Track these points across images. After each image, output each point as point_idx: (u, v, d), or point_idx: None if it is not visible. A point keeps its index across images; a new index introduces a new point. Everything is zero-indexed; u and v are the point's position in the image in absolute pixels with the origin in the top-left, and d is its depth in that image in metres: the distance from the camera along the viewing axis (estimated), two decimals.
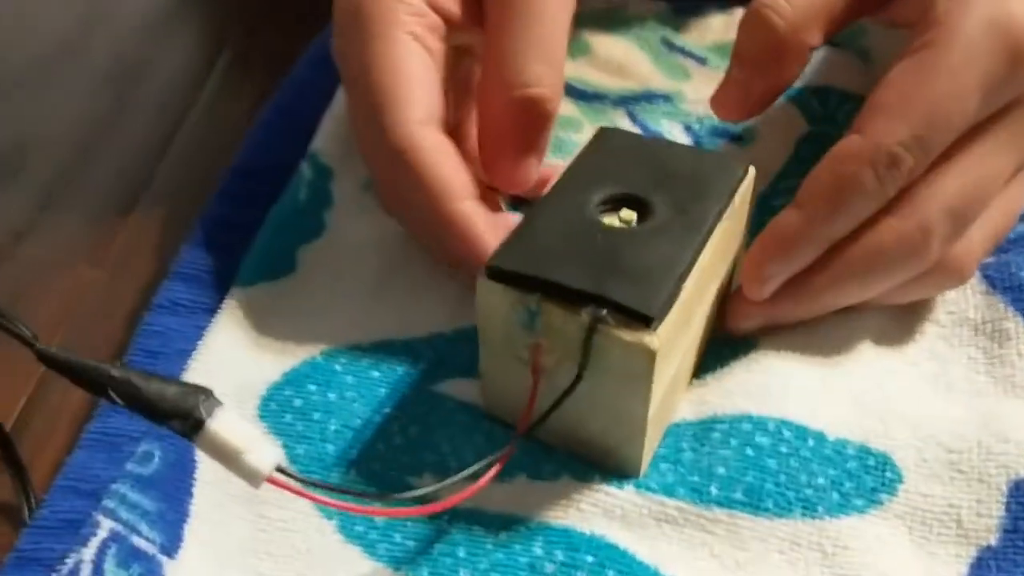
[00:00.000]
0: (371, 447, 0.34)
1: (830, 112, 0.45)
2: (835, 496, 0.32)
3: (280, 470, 0.27)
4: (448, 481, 0.29)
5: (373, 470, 0.34)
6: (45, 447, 0.38)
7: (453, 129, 0.38)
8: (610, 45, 0.51)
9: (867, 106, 0.33)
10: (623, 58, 0.50)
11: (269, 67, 0.52)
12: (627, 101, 0.48)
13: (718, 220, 0.33)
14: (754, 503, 0.32)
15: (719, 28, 0.51)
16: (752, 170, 0.35)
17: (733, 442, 0.33)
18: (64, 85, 0.55)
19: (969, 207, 0.33)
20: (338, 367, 0.37)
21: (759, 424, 0.33)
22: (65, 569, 0.31)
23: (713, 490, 0.32)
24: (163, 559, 0.32)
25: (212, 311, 0.39)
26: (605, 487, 0.32)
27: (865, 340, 0.36)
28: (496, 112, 0.36)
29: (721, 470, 0.32)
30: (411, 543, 0.32)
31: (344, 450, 0.34)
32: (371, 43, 0.36)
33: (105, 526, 0.32)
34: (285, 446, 0.35)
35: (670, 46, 0.51)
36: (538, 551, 0.31)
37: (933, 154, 0.32)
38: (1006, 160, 0.33)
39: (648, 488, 0.32)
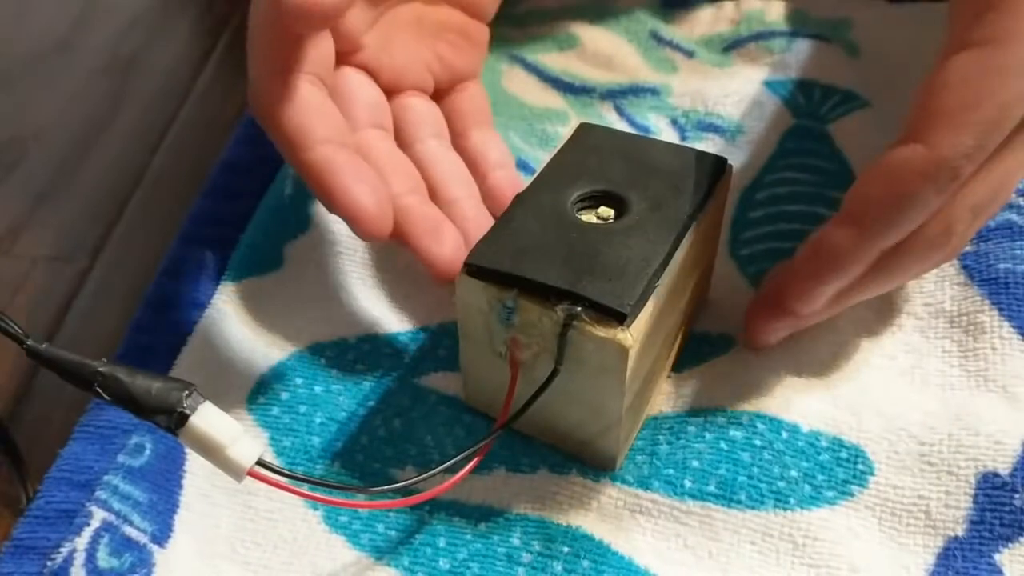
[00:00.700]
0: (355, 439, 0.35)
1: (814, 106, 0.46)
2: (807, 488, 0.33)
3: (262, 463, 0.28)
4: (428, 474, 0.30)
5: (357, 462, 0.35)
6: (42, 436, 0.39)
7: None
8: (598, 38, 0.51)
9: (924, 109, 0.29)
10: (611, 51, 0.51)
11: None
12: (614, 94, 0.49)
13: (695, 217, 0.33)
14: (727, 495, 0.33)
15: (707, 21, 0.52)
16: (731, 166, 0.35)
17: (707, 435, 0.34)
18: (59, 80, 0.56)
19: (992, 202, 0.32)
20: (324, 360, 0.38)
21: (733, 417, 0.34)
22: (59, 558, 0.32)
23: (687, 483, 0.33)
24: (154, 548, 0.33)
25: (202, 306, 0.40)
26: (582, 480, 0.33)
27: (844, 333, 0.37)
28: None
29: (695, 463, 0.33)
30: (393, 533, 0.33)
31: (329, 442, 0.35)
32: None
33: (98, 516, 0.33)
34: (272, 439, 0.36)
35: (658, 39, 0.51)
36: (515, 541, 0.32)
37: (985, 157, 0.30)
38: None
39: (623, 481, 0.33)
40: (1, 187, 0.50)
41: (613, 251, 0.31)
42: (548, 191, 0.34)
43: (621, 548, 0.32)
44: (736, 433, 0.34)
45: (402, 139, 0.39)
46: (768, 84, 0.47)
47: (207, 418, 0.28)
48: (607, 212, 0.33)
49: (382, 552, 0.32)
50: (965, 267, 0.38)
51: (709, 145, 0.45)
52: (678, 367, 0.37)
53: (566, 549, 0.32)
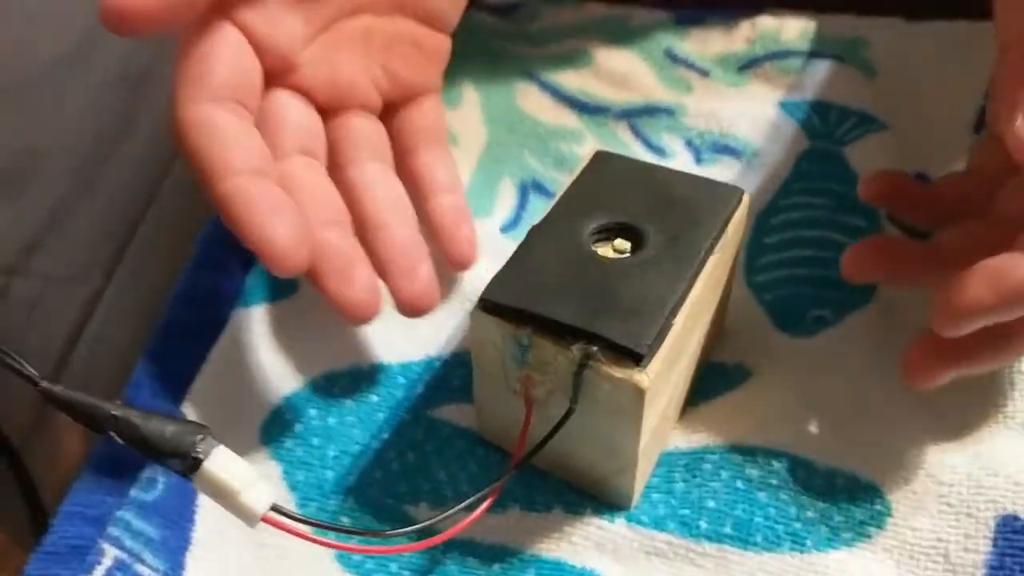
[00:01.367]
0: (369, 474, 0.35)
1: (830, 128, 0.45)
2: (824, 529, 0.32)
3: (276, 509, 0.28)
4: (442, 516, 0.30)
5: (371, 497, 0.35)
6: (56, 461, 0.40)
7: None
8: (613, 56, 0.51)
9: None
10: (626, 69, 0.50)
11: None
12: (629, 114, 0.48)
13: (711, 251, 0.33)
14: (743, 537, 0.32)
15: (722, 39, 0.51)
16: (746, 198, 0.35)
17: (724, 474, 0.34)
18: (70, 95, 0.56)
19: None
20: (337, 390, 0.38)
21: (749, 455, 0.34)
22: None
23: (703, 524, 0.33)
24: None
25: (215, 332, 0.40)
26: (596, 520, 0.33)
27: (857, 362, 0.37)
28: None
29: (711, 503, 0.33)
30: (407, 573, 0.32)
31: (343, 476, 0.35)
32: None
33: (110, 554, 0.33)
34: (285, 472, 0.35)
35: (673, 57, 0.51)
36: None
37: None
38: None
39: (639, 521, 0.33)
40: (14, 204, 0.50)
41: (630, 288, 0.31)
42: (564, 222, 0.34)
43: None
44: (752, 471, 0.34)
45: (338, 161, 0.37)
46: (783, 105, 0.47)
47: (221, 463, 0.28)
48: (623, 245, 0.33)
49: (381, 555, 0.32)
50: None
51: (724, 168, 0.45)
52: (693, 400, 0.36)
53: None
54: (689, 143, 0.47)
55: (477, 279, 0.40)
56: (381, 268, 0.35)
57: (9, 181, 0.45)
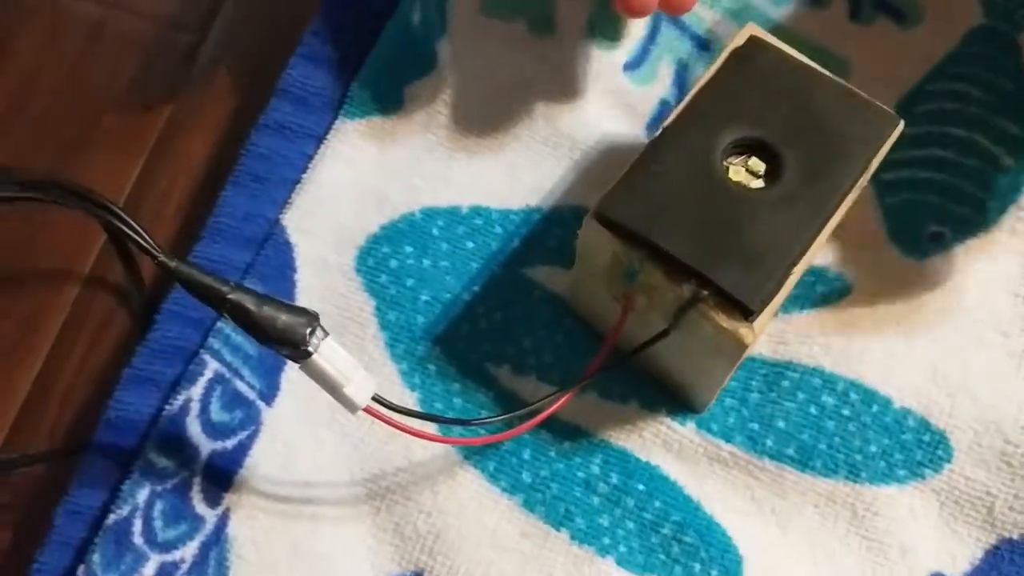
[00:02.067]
0: (457, 326, 0.36)
1: (1013, 4, 0.40)
2: (882, 464, 0.34)
3: (377, 399, 0.30)
4: (527, 409, 0.32)
5: (456, 350, 0.36)
6: (154, 233, 0.41)
7: None
8: None
9: None
10: None
11: None
12: None
13: (851, 190, 0.31)
14: (803, 460, 0.34)
15: None
16: (901, 125, 0.32)
17: (800, 396, 0.34)
18: None
19: None
20: (435, 231, 0.37)
21: (829, 382, 0.34)
22: (176, 405, 0.35)
23: (768, 442, 0.34)
24: (261, 406, 0.35)
25: (318, 138, 0.39)
26: (668, 420, 0.34)
27: (961, 303, 0.36)
28: None
29: (781, 423, 0.34)
30: (483, 430, 0.35)
31: (432, 323, 0.36)
32: None
33: (211, 367, 0.35)
34: (377, 309, 0.36)
35: None
36: (595, 469, 0.34)
37: None
38: None
39: (708, 429, 0.34)
40: None
41: (755, 229, 0.30)
42: (697, 130, 0.31)
43: (692, 492, 0.34)
44: (828, 399, 0.34)
45: None
46: None
47: (328, 356, 0.29)
48: (758, 167, 0.31)
49: (470, 451, 0.34)
50: None
51: (879, 32, 0.40)
52: (787, 305, 0.36)
53: (641, 487, 0.34)
54: None
55: (590, 125, 0.38)
56: None
57: None
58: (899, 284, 0.36)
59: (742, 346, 0.29)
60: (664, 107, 0.39)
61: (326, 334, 0.29)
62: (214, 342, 0.36)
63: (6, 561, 0.35)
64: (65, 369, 0.39)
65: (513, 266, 0.37)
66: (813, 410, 0.34)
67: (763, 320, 0.30)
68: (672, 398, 0.35)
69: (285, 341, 0.28)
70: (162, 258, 0.28)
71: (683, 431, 0.34)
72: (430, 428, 0.33)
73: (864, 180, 0.32)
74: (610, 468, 0.34)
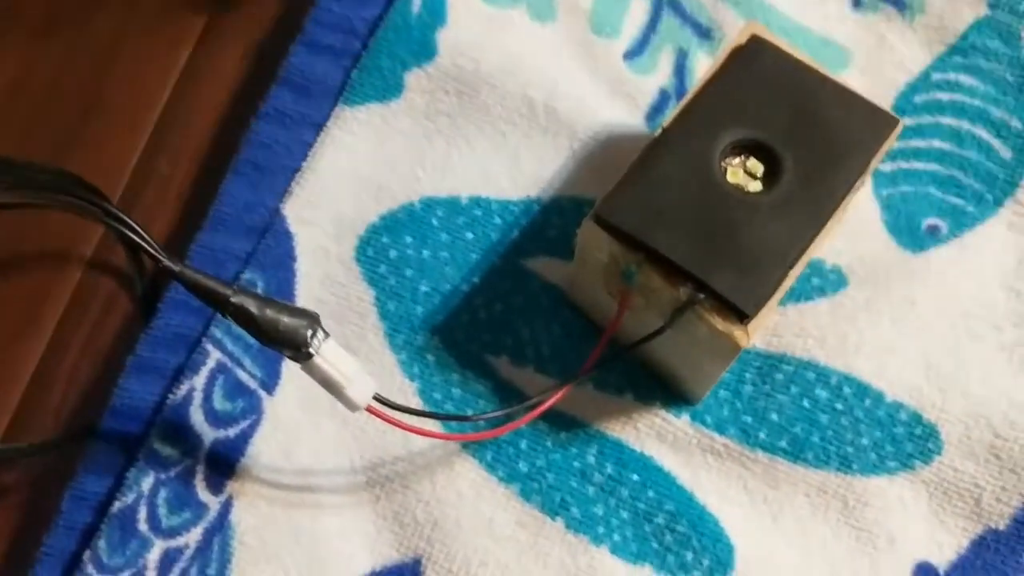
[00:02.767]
0: (456, 317, 0.37)
1: None
2: (873, 457, 0.35)
3: (378, 399, 0.30)
4: (525, 404, 0.32)
5: (455, 340, 0.36)
6: (155, 217, 0.41)
7: None
8: None
9: None
10: None
11: None
12: None
13: (849, 192, 0.31)
14: (795, 452, 0.34)
15: None
16: (900, 127, 0.32)
17: (793, 389, 0.35)
18: None
19: None
20: (435, 221, 0.38)
21: (823, 376, 0.35)
22: (180, 394, 0.35)
23: (761, 435, 0.35)
24: (263, 395, 0.36)
25: (318, 126, 0.39)
26: (663, 412, 0.35)
27: (959, 293, 0.36)
28: None
29: (774, 416, 0.35)
30: (482, 423, 0.35)
31: (431, 314, 0.37)
32: None
33: (213, 356, 0.36)
34: (377, 299, 0.37)
35: None
36: (591, 460, 0.35)
37: None
38: None
39: (702, 421, 0.35)
40: None
41: (752, 233, 0.30)
42: (698, 131, 0.31)
43: (686, 482, 0.35)
44: (821, 393, 0.35)
45: None
46: None
47: (329, 358, 0.29)
48: (756, 168, 0.31)
49: (468, 441, 0.35)
50: None
51: (880, 20, 0.40)
52: (783, 298, 0.36)
53: (635, 477, 0.34)
54: None
55: (590, 115, 0.38)
56: None
57: None
58: (895, 277, 0.36)
59: (737, 348, 0.30)
60: (664, 96, 0.39)
61: (327, 335, 0.29)
62: (216, 331, 0.36)
63: (13, 544, 0.36)
64: (70, 351, 0.39)
65: (512, 257, 0.37)
66: (806, 403, 0.35)
67: (758, 322, 0.30)
68: (667, 390, 0.35)
69: (287, 343, 0.29)
70: (166, 262, 0.28)
71: (677, 423, 0.35)
72: (430, 423, 0.34)
73: (863, 182, 0.32)
74: (605, 458, 0.35)
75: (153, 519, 0.34)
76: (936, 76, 0.39)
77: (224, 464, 0.35)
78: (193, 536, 0.34)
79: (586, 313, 0.36)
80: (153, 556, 0.34)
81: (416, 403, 0.36)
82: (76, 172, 0.34)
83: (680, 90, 0.39)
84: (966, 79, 0.39)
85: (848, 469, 0.35)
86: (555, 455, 0.35)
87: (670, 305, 0.30)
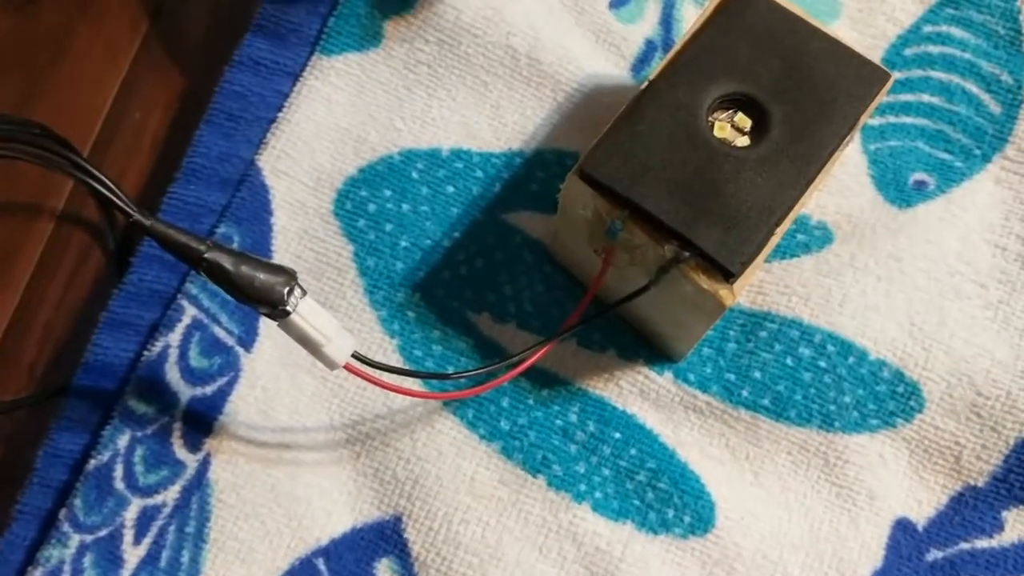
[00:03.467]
0: (437, 273, 0.36)
1: None
2: (855, 414, 0.34)
3: (357, 356, 0.30)
4: (506, 362, 0.32)
5: (436, 296, 0.36)
6: (130, 165, 0.40)
7: None
8: None
9: None
10: None
11: None
12: None
13: (838, 148, 0.31)
14: (778, 410, 0.34)
15: None
16: (891, 81, 0.32)
17: (777, 347, 0.35)
18: None
19: None
20: (415, 174, 0.37)
21: (807, 334, 0.35)
22: (155, 351, 0.35)
23: (744, 392, 0.34)
24: (240, 351, 0.35)
25: (294, 75, 0.38)
26: (646, 369, 0.35)
27: (945, 250, 0.36)
28: None
29: (757, 374, 0.34)
30: (463, 380, 0.35)
31: (412, 270, 0.36)
32: None
33: (189, 312, 0.35)
34: (356, 255, 0.36)
35: None
36: (573, 417, 0.34)
37: None
38: None
39: (685, 379, 0.35)
40: None
41: (739, 189, 0.29)
42: (685, 83, 0.31)
43: (668, 439, 0.34)
44: (805, 351, 0.35)
45: None
46: None
47: (307, 315, 0.28)
48: (744, 123, 0.31)
49: (451, 400, 0.35)
50: None
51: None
52: (769, 255, 0.36)
53: (618, 435, 0.34)
54: None
55: (574, 65, 0.37)
56: None
57: None
58: (881, 233, 0.36)
59: (722, 307, 0.29)
60: (650, 47, 0.38)
61: (304, 293, 0.29)
62: (191, 287, 0.35)
63: None
64: (43, 305, 0.38)
65: (494, 211, 0.37)
66: (790, 361, 0.35)
67: (744, 280, 0.30)
68: (650, 347, 0.35)
69: (263, 300, 0.28)
70: (136, 216, 0.27)
71: (660, 380, 0.35)
72: (410, 381, 0.33)
73: (852, 137, 0.32)
74: (587, 416, 0.34)
75: (130, 477, 0.34)
76: (927, 28, 0.38)
77: (202, 422, 0.34)
78: (171, 494, 0.34)
79: (569, 269, 0.36)
80: (130, 514, 0.34)
81: (396, 360, 0.35)
82: (45, 120, 0.33)
83: (667, 40, 0.38)
84: (957, 32, 0.38)
85: (830, 427, 0.34)
86: (537, 413, 0.34)
87: (655, 262, 0.30)
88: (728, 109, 0.31)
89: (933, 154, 0.37)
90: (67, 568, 0.33)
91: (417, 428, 0.35)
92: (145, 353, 0.35)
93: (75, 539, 0.33)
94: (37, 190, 0.39)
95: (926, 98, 0.38)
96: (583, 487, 0.34)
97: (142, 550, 0.33)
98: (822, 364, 0.35)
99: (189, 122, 0.38)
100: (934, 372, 0.35)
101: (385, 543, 0.34)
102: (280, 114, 0.37)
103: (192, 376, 0.35)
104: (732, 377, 0.35)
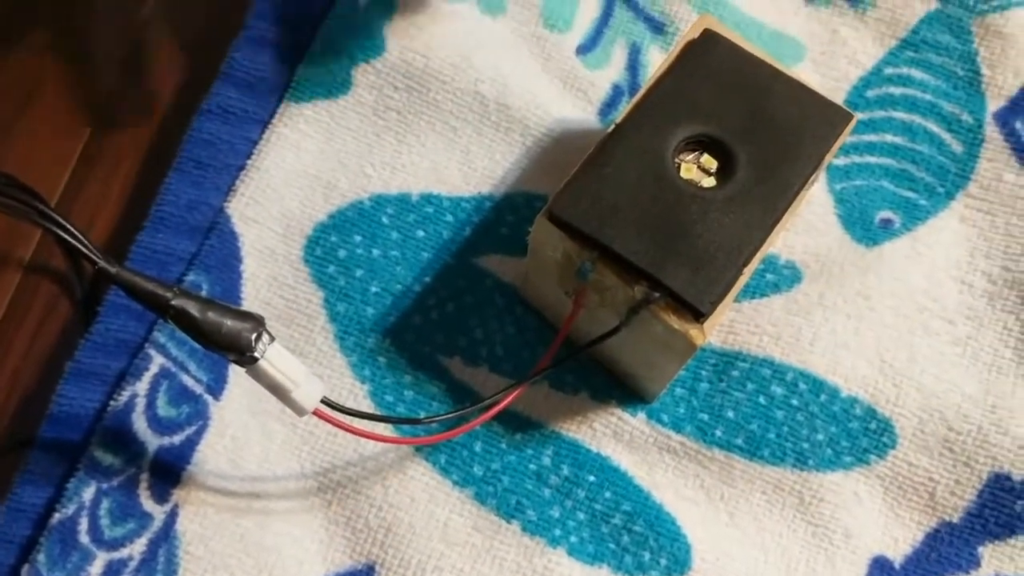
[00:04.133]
0: (408, 318, 0.36)
1: None
2: (828, 452, 0.34)
3: (326, 402, 0.29)
4: (478, 406, 0.31)
5: (407, 341, 0.36)
6: (99, 213, 0.39)
7: None
8: None
9: None
10: None
11: None
12: None
13: (803, 187, 0.31)
14: (752, 449, 0.34)
15: None
16: (853, 121, 0.32)
17: (749, 386, 0.35)
18: None
19: None
20: (385, 219, 0.37)
21: (778, 372, 0.35)
22: (122, 400, 0.34)
23: (718, 432, 0.34)
24: (209, 399, 0.35)
25: (263, 122, 0.38)
26: (619, 411, 0.35)
27: (912, 287, 0.36)
28: None
29: (730, 413, 0.34)
30: (435, 426, 0.35)
31: (382, 315, 0.36)
32: None
33: (156, 361, 0.35)
34: (326, 301, 0.36)
35: None
36: (546, 461, 0.34)
37: None
38: None
39: (658, 419, 0.35)
40: None
41: (707, 229, 0.30)
42: (651, 126, 0.31)
43: (643, 481, 0.34)
44: (777, 389, 0.35)
45: None
46: None
47: (275, 361, 0.28)
48: (711, 164, 0.31)
49: (422, 445, 0.34)
50: None
51: (834, 15, 0.40)
52: (738, 294, 0.36)
53: (592, 478, 0.34)
54: None
55: (542, 110, 0.38)
56: None
57: None
58: (850, 272, 0.36)
59: (693, 346, 0.29)
60: (617, 91, 0.39)
61: (272, 339, 0.28)
62: (159, 336, 0.35)
63: None
64: (10, 354, 0.38)
65: (465, 255, 0.37)
66: (762, 400, 0.35)
67: (714, 320, 0.30)
68: (623, 388, 0.35)
69: (231, 347, 0.28)
70: (102, 263, 0.27)
71: (633, 421, 0.35)
72: (381, 427, 0.33)
73: (817, 176, 0.32)
74: (561, 459, 0.34)
75: (95, 530, 0.33)
76: (888, 70, 0.39)
77: (169, 472, 0.34)
78: (138, 547, 0.33)
79: (540, 312, 0.36)
80: (96, 569, 0.33)
81: (367, 406, 0.35)
82: (12, 170, 0.33)
83: (633, 85, 0.39)
84: (917, 73, 0.39)
85: (804, 465, 0.34)
86: (510, 457, 0.34)
87: (625, 303, 0.30)
88: (694, 151, 0.31)
89: (898, 193, 0.38)
90: None
91: (389, 474, 0.34)
92: (112, 403, 0.34)
93: None
94: (4, 239, 0.39)
95: (889, 138, 0.38)
96: (558, 532, 0.34)
97: None
98: (794, 402, 0.35)
99: (158, 170, 0.38)
100: (906, 408, 0.35)
101: None
102: (249, 161, 0.37)
103: (160, 425, 0.34)
104: (705, 417, 0.35)
